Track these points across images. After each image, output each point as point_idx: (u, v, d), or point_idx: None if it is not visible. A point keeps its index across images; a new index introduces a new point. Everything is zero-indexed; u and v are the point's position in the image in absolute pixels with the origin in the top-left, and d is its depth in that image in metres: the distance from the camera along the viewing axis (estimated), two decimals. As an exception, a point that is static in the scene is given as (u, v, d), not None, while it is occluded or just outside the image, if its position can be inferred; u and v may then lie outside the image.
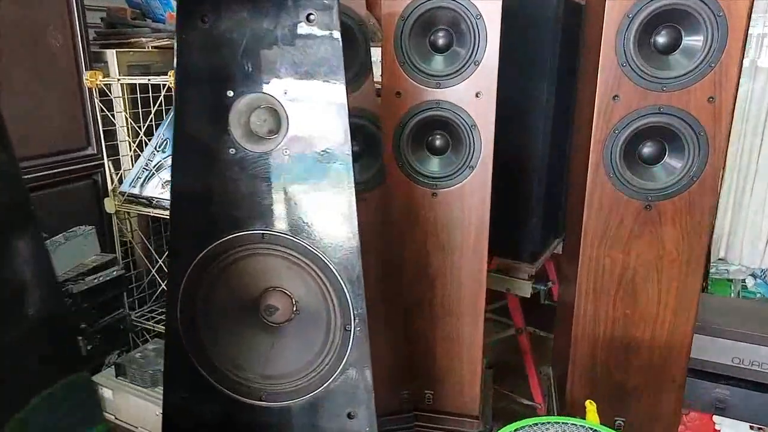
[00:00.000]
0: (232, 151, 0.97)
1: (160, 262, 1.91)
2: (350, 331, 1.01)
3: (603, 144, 1.36)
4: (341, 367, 1.02)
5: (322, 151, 0.97)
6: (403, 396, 1.64)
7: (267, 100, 0.96)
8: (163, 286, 1.93)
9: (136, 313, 2.04)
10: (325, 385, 1.03)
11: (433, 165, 1.49)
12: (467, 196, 1.48)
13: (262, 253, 1.02)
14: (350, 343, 1.01)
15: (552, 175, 1.96)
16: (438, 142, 1.48)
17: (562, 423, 1.03)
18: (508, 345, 2.45)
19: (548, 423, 1.04)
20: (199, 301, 1.06)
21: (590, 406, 1.07)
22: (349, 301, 1.00)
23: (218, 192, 0.99)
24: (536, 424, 1.03)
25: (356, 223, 0.98)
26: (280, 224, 1.00)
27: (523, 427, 1.03)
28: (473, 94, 1.41)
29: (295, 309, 1.06)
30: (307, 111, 0.95)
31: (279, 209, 0.99)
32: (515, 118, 1.86)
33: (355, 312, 1.00)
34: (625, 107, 1.32)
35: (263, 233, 1.00)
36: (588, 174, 1.39)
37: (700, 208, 1.34)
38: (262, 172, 0.98)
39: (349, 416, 1.04)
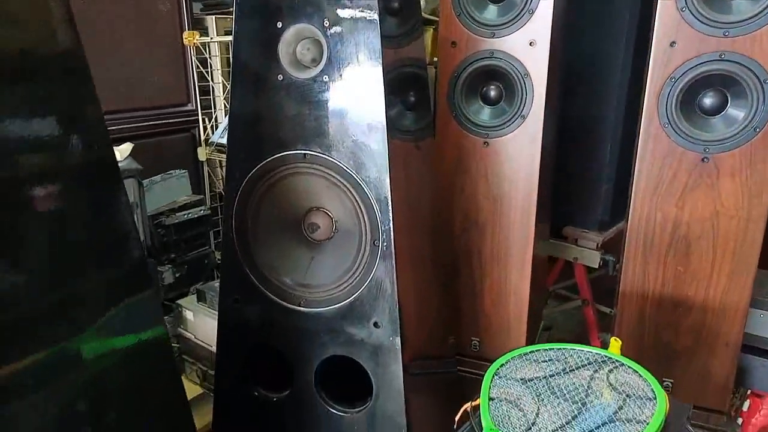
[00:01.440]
0: (279, 77, 1.10)
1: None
2: (378, 246, 1.10)
3: (659, 93, 1.33)
4: (369, 279, 1.12)
5: (358, 78, 1.06)
6: (449, 342, 1.71)
7: (311, 31, 1.06)
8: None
9: (219, 254, 2.26)
10: (354, 295, 1.13)
11: (486, 114, 1.54)
12: (518, 145, 1.51)
13: (303, 172, 1.14)
14: (378, 258, 1.10)
15: (627, 140, 1.91)
16: (491, 92, 1.52)
17: (587, 351, 1.05)
18: (571, 317, 2.42)
19: (571, 349, 1.07)
20: (249, 216, 1.20)
21: (614, 342, 1.08)
22: (378, 217, 1.09)
23: (266, 115, 1.12)
24: (560, 349, 1.06)
25: (387, 145, 1.07)
26: (320, 145, 1.11)
27: (540, 350, 1.07)
28: (527, 43, 1.43)
29: (334, 228, 1.17)
30: (345, 41, 1.05)
31: (318, 131, 1.10)
32: (588, 78, 1.83)
33: (383, 228, 1.09)
34: (683, 54, 1.29)
35: (305, 153, 1.12)
36: (641, 124, 1.37)
37: (763, 162, 1.28)
38: (304, 97, 1.09)
39: (376, 325, 1.13)
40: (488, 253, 1.63)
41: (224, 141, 2.11)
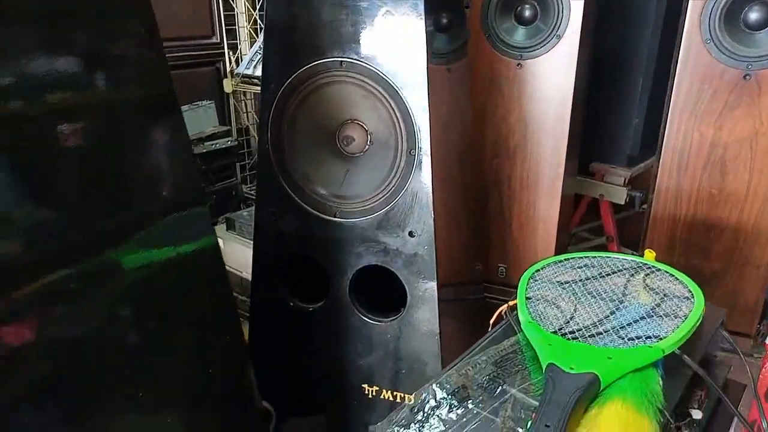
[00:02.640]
0: (316, -19, 1.08)
1: (268, 137, 2.11)
2: (414, 156, 1.11)
3: (702, 8, 1.29)
4: (405, 189, 1.12)
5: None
6: (476, 268, 1.73)
7: (349, -68, 1.04)
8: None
9: (247, 187, 2.29)
10: (389, 205, 1.14)
11: (520, 35, 1.50)
12: (552, 66, 1.48)
13: (339, 80, 1.13)
14: (414, 167, 1.11)
15: (659, 74, 1.86)
16: (526, 12, 1.48)
17: (622, 258, 1.05)
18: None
19: (606, 256, 1.07)
20: (285, 128, 1.20)
21: (649, 253, 1.08)
22: (415, 126, 1.09)
23: (302, 22, 1.11)
24: (595, 257, 1.07)
25: (425, 52, 1.05)
26: (356, 52, 1.10)
27: (575, 258, 1.08)
28: (564, -43, 1.39)
29: (369, 141, 1.17)
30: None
31: (356, 38, 1.09)
32: (623, 9, 1.78)
33: (420, 136, 1.09)
34: (730, -35, 1.24)
35: (341, 60, 1.11)
36: (682, 40, 1.33)
37: (808, 78, 1.25)
38: (341, 1, 1.08)
39: (411, 234, 1.15)
40: (518, 180, 1.63)
41: (249, 72, 2.11)
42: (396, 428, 0.79)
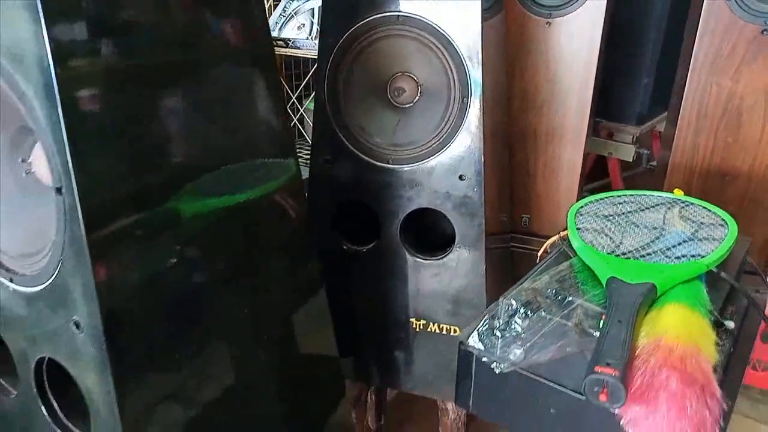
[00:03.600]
0: (373, -67, 1.15)
1: (293, 98, 2.18)
2: (467, 103, 1.20)
3: (724, -36, 1.38)
4: (457, 134, 1.22)
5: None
6: (501, 219, 1.83)
7: None
8: (295, 120, 2.22)
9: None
10: (442, 150, 1.24)
11: (550, -6, 1.58)
12: (581, 24, 1.57)
13: (396, 34, 1.21)
14: (466, 113, 1.20)
15: (670, 35, 1.95)
16: (557, -29, 1.56)
17: (657, 194, 1.16)
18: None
19: (641, 194, 1.17)
20: (340, 80, 1.28)
21: (678, 191, 1.19)
22: (468, 74, 1.17)
23: (360, -23, 1.19)
24: (632, 195, 1.17)
25: (479, 3, 1.14)
26: (414, 7, 1.17)
27: (613, 196, 1.18)
28: None
29: (419, 92, 1.26)
30: None
31: (412, -8, 1.16)
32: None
33: (472, 85, 1.18)
34: None
35: (398, 15, 1.19)
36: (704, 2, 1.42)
37: (819, 33, 1.35)
38: (399, -43, 1.15)
39: (461, 178, 1.24)
40: (544, 132, 1.72)
41: (275, 34, 2.16)
42: (479, 332, 0.90)
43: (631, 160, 2.16)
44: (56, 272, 0.73)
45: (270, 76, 0.97)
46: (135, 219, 0.76)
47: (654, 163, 2.46)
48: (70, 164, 0.67)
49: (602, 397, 0.70)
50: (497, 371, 0.95)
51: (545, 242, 1.84)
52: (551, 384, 0.91)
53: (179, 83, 0.83)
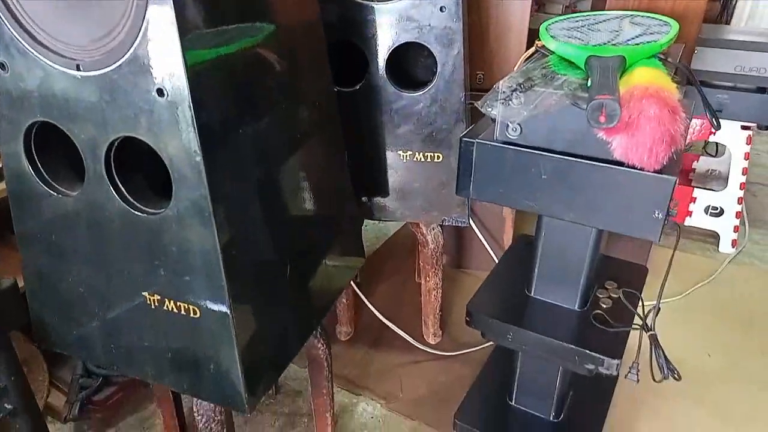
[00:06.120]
0: None
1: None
2: (445, -64, 1.32)
3: None
4: (437, -34, 1.34)
5: None
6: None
7: None
8: None
9: None
10: (423, -16, 1.36)
11: None
12: None
13: None
14: (445, -55, 1.32)
15: None
16: None
17: (608, 12, 1.36)
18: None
19: (595, 13, 1.37)
20: None
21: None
22: None
23: None
24: (587, 15, 1.36)
25: None
26: None
27: (570, 18, 1.37)
28: None
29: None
30: None
31: None
32: None
33: None
34: None
35: None
36: None
37: None
38: None
39: (441, 9, 1.38)
40: (494, -4, 1.88)
41: None
42: (488, 103, 1.08)
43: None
44: (135, 44, 0.80)
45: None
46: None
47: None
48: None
49: (601, 119, 0.90)
50: (498, 146, 1.14)
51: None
52: (544, 153, 1.11)
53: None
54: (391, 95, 1.50)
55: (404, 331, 1.90)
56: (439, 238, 1.80)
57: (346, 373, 1.82)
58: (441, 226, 1.80)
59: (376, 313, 1.86)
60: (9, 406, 1.10)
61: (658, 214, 1.04)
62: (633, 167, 0.99)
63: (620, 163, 1.02)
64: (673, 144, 0.93)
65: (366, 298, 1.91)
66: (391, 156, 1.57)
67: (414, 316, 1.99)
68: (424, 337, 1.98)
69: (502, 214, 2.21)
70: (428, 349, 1.91)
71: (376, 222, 2.73)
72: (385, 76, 1.48)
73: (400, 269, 2.38)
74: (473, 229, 2.16)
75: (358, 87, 1.51)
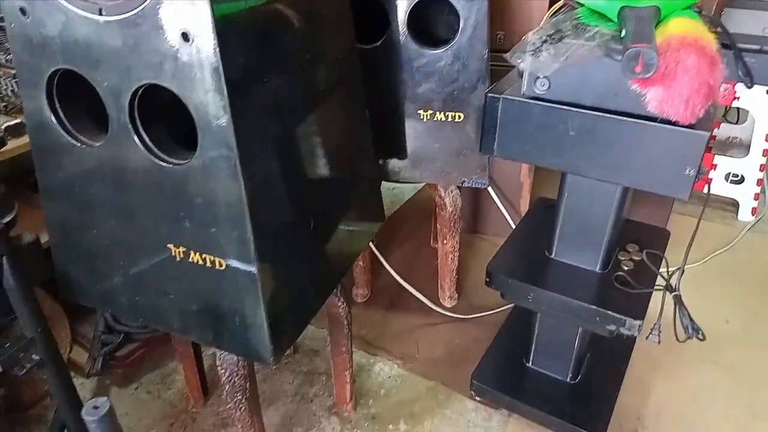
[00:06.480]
0: None
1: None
2: None
3: None
4: None
5: None
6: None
7: None
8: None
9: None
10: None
11: None
12: None
13: None
14: None
15: None
16: None
17: None
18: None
19: None
20: None
21: None
22: None
23: None
24: None
25: None
26: None
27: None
28: None
29: None
30: None
31: None
32: None
33: None
34: None
35: None
36: None
37: None
38: None
39: (466, -39, 1.33)
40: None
41: None
42: (516, 54, 1.05)
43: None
44: (158, -14, 0.78)
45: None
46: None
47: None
48: None
49: (637, 68, 0.87)
50: (525, 101, 1.11)
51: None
52: (572, 108, 1.09)
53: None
54: (412, 52, 1.47)
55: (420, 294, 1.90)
56: (457, 200, 1.79)
57: (363, 334, 1.83)
58: (459, 188, 1.78)
59: (394, 274, 1.86)
60: (37, 357, 1.11)
61: (690, 171, 1.02)
62: (666, 121, 0.97)
63: (651, 118, 1.00)
64: (710, 96, 0.90)
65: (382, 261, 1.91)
66: (410, 116, 1.55)
67: (429, 280, 1.99)
68: (440, 300, 1.98)
69: (519, 178, 2.19)
70: (444, 312, 1.91)
71: (391, 188, 2.72)
72: (406, 32, 1.44)
73: (416, 234, 2.37)
74: (490, 193, 2.14)
75: (378, 43, 1.47)
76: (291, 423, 1.54)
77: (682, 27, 0.95)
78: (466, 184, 1.64)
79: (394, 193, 2.66)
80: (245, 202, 0.89)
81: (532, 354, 1.58)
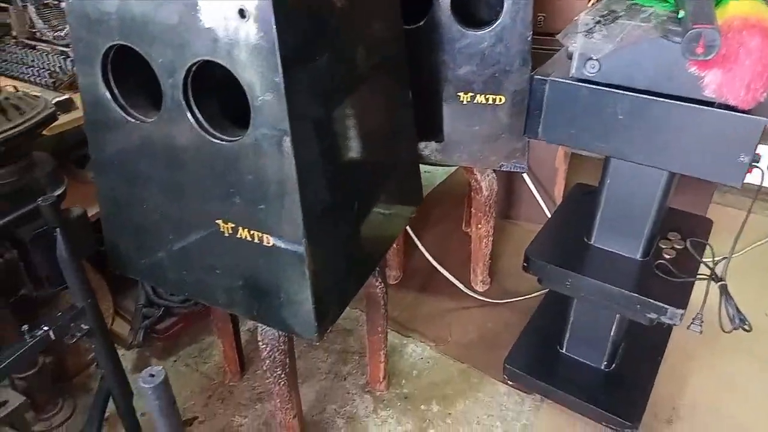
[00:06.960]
0: None
1: None
2: None
3: None
4: None
5: None
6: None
7: None
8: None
9: None
10: None
11: None
12: None
13: None
14: None
15: None
16: None
17: None
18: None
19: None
20: None
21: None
22: None
23: None
24: None
25: None
26: None
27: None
28: None
29: None
30: None
31: None
32: None
33: None
34: None
35: None
36: None
37: None
38: None
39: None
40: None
41: None
42: (568, 35, 1.03)
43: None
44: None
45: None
46: None
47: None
48: None
49: (699, 50, 0.85)
50: (573, 83, 1.09)
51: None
52: (622, 92, 1.07)
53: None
54: (455, 33, 1.45)
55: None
56: (493, 184, 1.78)
57: (395, 315, 1.85)
58: (495, 172, 1.77)
59: (429, 257, 1.86)
60: (86, 327, 1.15)
61: (744, 158, 1.00)
62: (723, 106, 0.94)
63: (705, 102, 0.97)
64: (771, 80, 0.87)
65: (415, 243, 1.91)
66: (449, 98, 1.54)
67: (461, 265, 1.99)
68: (472, 284, 1.98)
69: (554, 164, 2.16)
70: (476, 296, 1.91)
71: (423, 171, 2.71)
72: (449, 12, 1.43)
73: (447, 218, 2.36)
74: (523, 179, 2.12)
75: (421, 24, 1.46)
76: (325, 400, 1.57)
77: (743, 8, 0.92)
78: (504, 168, 1.63)
79: (425, 177, 2.65)
80: (295, 180, 0.89)
81: (566, 340, 1.57)
